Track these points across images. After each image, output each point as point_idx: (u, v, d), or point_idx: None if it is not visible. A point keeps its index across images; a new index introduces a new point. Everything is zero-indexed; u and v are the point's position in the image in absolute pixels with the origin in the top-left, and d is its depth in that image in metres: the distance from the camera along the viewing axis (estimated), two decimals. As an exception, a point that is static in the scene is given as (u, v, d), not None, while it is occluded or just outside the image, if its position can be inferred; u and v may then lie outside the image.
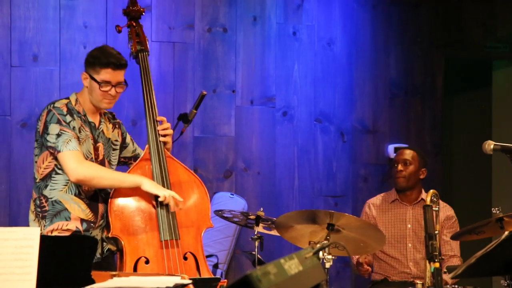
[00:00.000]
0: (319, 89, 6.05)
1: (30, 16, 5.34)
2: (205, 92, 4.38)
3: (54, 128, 3.98)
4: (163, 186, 4.07)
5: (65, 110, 4.03)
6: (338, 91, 6.10)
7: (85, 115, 4.11)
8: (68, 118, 4.02)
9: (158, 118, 4.24)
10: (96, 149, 4.12)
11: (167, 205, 4.04)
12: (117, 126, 4.31)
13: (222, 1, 5.81)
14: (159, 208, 4.04)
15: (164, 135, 4.21)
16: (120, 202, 4.04)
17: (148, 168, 4.13)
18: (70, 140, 3.96)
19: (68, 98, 4.13)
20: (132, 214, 4.04)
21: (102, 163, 4.14)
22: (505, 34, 6.64)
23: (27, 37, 5.34)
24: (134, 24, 4.36)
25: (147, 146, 4.18)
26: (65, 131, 3.98)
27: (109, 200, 4.04)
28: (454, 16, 6.46)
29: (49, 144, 3.98)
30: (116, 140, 4.28)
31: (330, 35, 6.09)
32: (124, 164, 4.39)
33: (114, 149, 4.26)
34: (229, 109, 5.82)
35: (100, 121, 4.18)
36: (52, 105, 4.05)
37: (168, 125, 4.25)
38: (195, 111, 4.37)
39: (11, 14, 5.31)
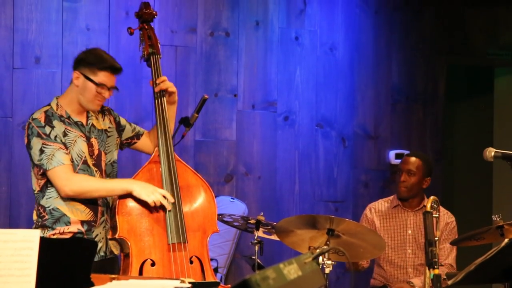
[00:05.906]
0: (321, 94, 6.05)
1: (33, 18, 5.35)
2: (206, 96, 4.37)
3: (36, 143, 3.96)
4: (172, 189, 4.05)
5: (43, 121, 3.99)
6: (340, 96, 6.11)
7: (68, 117, 4.06)
8: (47, 129, 3.98)
9: (159, 80, 4.22)
10: (90, 145, 4.09)
11: (175, 208, 4.02)
12: (106, 113, 4.25)
13: (224, 5, 5.82)
14: (167, 211, 4.02)
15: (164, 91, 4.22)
16: (129, 203, 4.02)
17: (157, 171, 4.11)
18: (53, 154, 3.93)
19: (49, 104, 4.10)
20: (140, 216, 4.02)
21: (98, 156, 4.12)
22: (507, 41, 6.64)
23: (29, 39, 5.34)
24: (146, 26, 4.33)
25: (156, 149, 4.16)
26: (47, 144, 3.95)
27: (118, 201, 4.02)
28: (456, 23, 6.47)
29: (35, 162, 3.97)
30: (110, 127, 4.23)
31: (333, 41, 6.09)
32: (128, 145, 4.36)
33: (108, 136, 4.21)
34: (231, 113, 5.82)
35: (87, 117, 4.13)
36: (31, 118, 4.02)
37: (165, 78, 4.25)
38: (196, 115, 4.36)
39: (14, 16, 5.32)
